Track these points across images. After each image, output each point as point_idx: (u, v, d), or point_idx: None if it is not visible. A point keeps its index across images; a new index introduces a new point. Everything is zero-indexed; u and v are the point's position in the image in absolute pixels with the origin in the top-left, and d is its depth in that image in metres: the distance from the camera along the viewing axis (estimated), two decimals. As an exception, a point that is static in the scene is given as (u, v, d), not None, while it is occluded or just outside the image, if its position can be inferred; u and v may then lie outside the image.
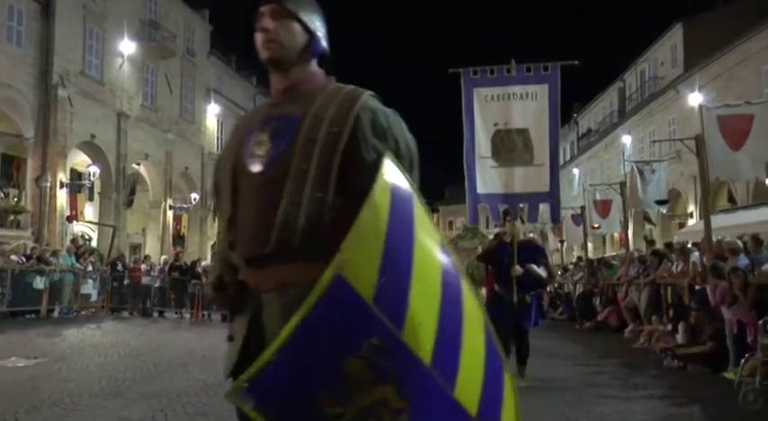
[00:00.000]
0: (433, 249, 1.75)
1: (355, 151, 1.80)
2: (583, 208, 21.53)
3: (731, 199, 22.96)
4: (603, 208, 19.79)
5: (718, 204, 22.62)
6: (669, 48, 31.53)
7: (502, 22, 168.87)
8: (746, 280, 7.95)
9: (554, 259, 35.95)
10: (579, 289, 18.73)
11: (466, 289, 1.81)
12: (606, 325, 14.83)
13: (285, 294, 1.77)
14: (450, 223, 66.81)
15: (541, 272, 7.22)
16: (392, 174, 1.68)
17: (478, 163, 7.76)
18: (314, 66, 2.06)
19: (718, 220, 14.38)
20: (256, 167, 1.86)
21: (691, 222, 24.46)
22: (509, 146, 7.63)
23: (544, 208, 7.96)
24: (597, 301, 16.28)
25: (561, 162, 44.72)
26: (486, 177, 7.75)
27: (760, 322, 6.85)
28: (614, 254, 24.10)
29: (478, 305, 1.87)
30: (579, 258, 22.38)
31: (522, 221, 7.43)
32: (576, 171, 44.49)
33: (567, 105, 51.20)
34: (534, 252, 7.40)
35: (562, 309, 19.79)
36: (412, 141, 1.96)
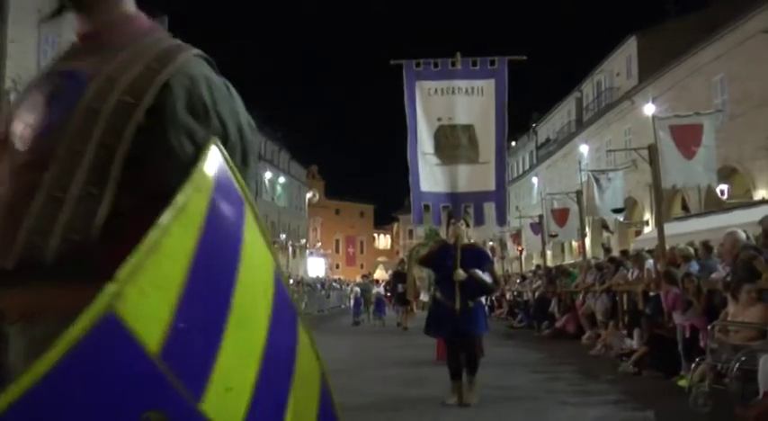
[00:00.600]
0: (263, 280, 1.30)
1: (158, 133, 1.28)
2: (541, 216, 21.80)
3: (685, 207, 23.46)
4: (561, 216, 20.05)
5: (672, 212, 23.10)
6: (624, 59, 32.17)
7: (454, 28, 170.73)
8: (699, 286, 8.12)
9: (513, 267, 36.41)
10: (538, 296, 18.90)
11: (302, 336, 1.39)
12: (564, 332, 14.98)
13: (31, 330, 1.23)
14: (411, 232, 67.03)
15: (486, 278, 6.70)
16: (215, 171, 1.20)
17: (421, 160, 7.39)
18: (130, 5, 1.51)
19: (671, 228, 14.67)
20: (19, 142, 1.32)
21: (647, 230, 24.92)
22: (453, 142, 7.30)
23: (489, 208, 7.59)
24: (555, 308, 16.43)
25: (519, 169, 44.98)
26: (430, 175, 7.38)
27: (709, 327, 6.99)
28: (572, 261, 24.42)
29: (315, 357, 1.43)
30: (538, 266, 22.62)
31: (467, 224, 6.91)
32: (534, 180, 45.04)
33: (526, 115, 51.97)
34: (479, 257, 6.89)
35: (521, 316, 19.95)
36: (248, 125, 1.45)
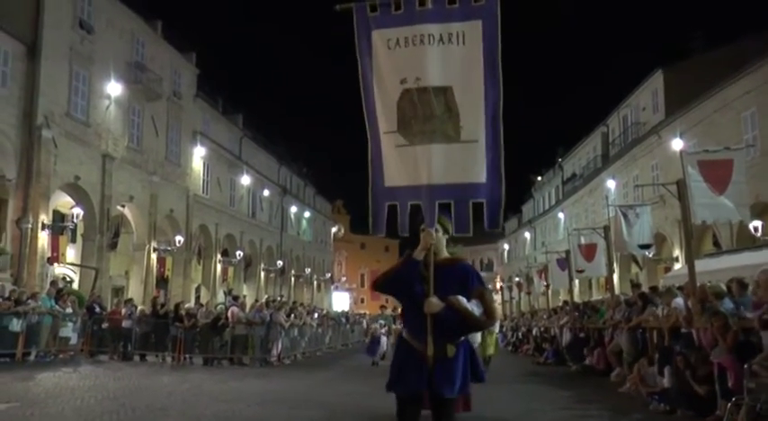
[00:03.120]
0: None
1: None
2: (568, 252, 21.55)
3: (716, 243, 23.07)
4: (588, 252, 19.81)
5: (703, 248, 22.72)
6: (650, 93, 32.06)
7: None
8: (727, 323, 7.91)
9: (540, 303, 36.01)
10: (566, 333, 18.64)
11: None
12: (593, 368, 14.72)
13: None
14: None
15: (474, 308, 4.28)
16: None
17: (383, 141, 4.95)
18: None
19: (703, 265, 14.41)
20: None
21: (676, 266, 24.52)
22: (423, 112, 4.81)
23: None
24: (584, 345, 16.18)
25: (545, 204, 44.60)
26: (393, 162, 4.90)
27: (745, 366, 6.78)
28: (600, 298, 24.07)
29: None
30: (565, 302, 22.32)
31: (446, 231, 4.62)
32: (561, 215, 44.74)
33: (552, 149, 51.84)
34: (464, 277, 4.49)
35: (548, 353, 19.65)
36: None
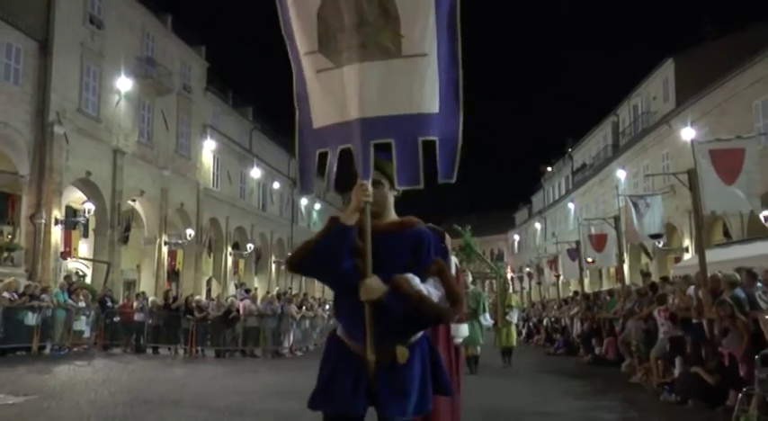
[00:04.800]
0: None
1: None
2: (578, 242, 21.54)
3: (726, 233, 22.98)
4: (598, 242, 19.79)
5: (714, 239, 22.63)
6: (661, 82, 31.87)
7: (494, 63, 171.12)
8: (733, 312, 7.90)
9: (551, 293, 35.93)
10: (576, 323, 18.66)
11: None
12: (604, 359, 14.75)
13: None
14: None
15: (430, 290, 3.00)
16: None
17: (304, 67, 3.48)
18: None
19: (713, 255, 14.35)
20: None
21: (686, 256, 24.44)
22: (351, 21, 3.31)
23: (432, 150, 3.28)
24: (595, 335, 16.19)
25: (555, 195, 44.42)
26: (316, 94, 3.48)
27: (756, 357, 6.79)
28: (611, 287, 24.04)
29: None
30: (576, 292, 22.32)
31: (391, 182, 3.21)
32: (571, 205, 44.62)
33: (562, 140, 51.68)
34: (416, 247, 3.12)
35: (558, 344, 19.68)
36: None
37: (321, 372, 3.11)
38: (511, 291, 18.07)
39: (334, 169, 3.31)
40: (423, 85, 3.22)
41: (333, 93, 3.32)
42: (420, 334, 3.08)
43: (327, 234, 3.05)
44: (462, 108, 3.23)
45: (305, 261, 3.09)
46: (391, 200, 3.24)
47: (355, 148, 3.18)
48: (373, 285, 2.91)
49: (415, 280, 2.90)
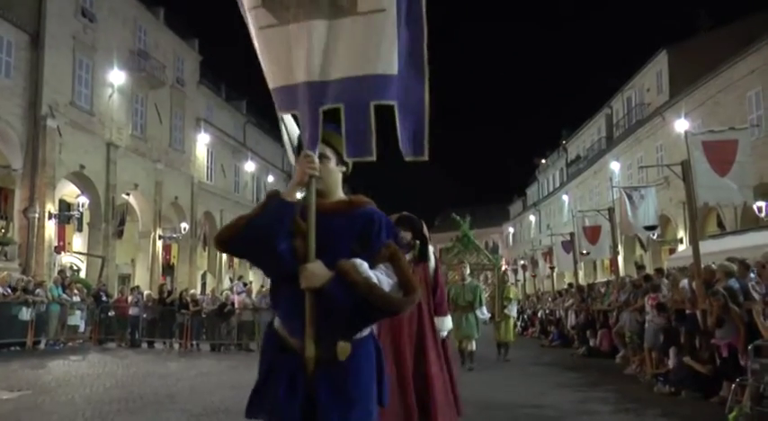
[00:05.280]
0: None
1: None
2: (572, 234, 21.59)
3: (720, 224, 23.06)
4: (593, 234, 19.84)
5: (707, 230, 22.71)
6: (654, 74, 31.89)
7: (483, 56, 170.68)
8: (726, 304, 7.92)
9: (545, 285, 36.02)
10: (571, 315, 18.71)
11: None
12: (598, 350, 14.79)
13: None
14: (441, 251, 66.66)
15: (381, 278, 2.57)
16: None
17: (250, 24, 2.97)
18: None
19: (707, 246, 14.40)
20: None
21: (681, 248, 24.52)
22: None
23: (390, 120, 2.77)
24: (589, 327, 16.25)
25: (550, 187, 44.52)
26: (263, 54, 2.95)
27: (749, 347, 6.82)
28: (605, 280, 24.11)
29: None
30: (570, 284, 22.38)
31: (339, 156, 2.82)
32: (565, 197, 44.70)
33: (556, 132, 51.73)
34: (365, 229, 2.71)
35: (553, 336, 19.73)
36: None
37: (259, 374, 2.71)
38: (511, 282, 17.51)
39: (286, 137, 2.95)
40: (379, 44, 2.70)
41: (277, 53, 2.84)
42: (367, 331, 2.69)
43: (264, 210, 2.67)
44: (428, 71, 2.70)
45: (235, 239, 2.65)
46: (338, 177, 2.88)
47: (301, 115, 2.76)
48: (315, 271, 2.52)
49: (364, 266, 2.52)
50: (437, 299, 5.70)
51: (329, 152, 2.78)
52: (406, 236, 5.47)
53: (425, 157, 2.66)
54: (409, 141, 2.67)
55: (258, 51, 2.91)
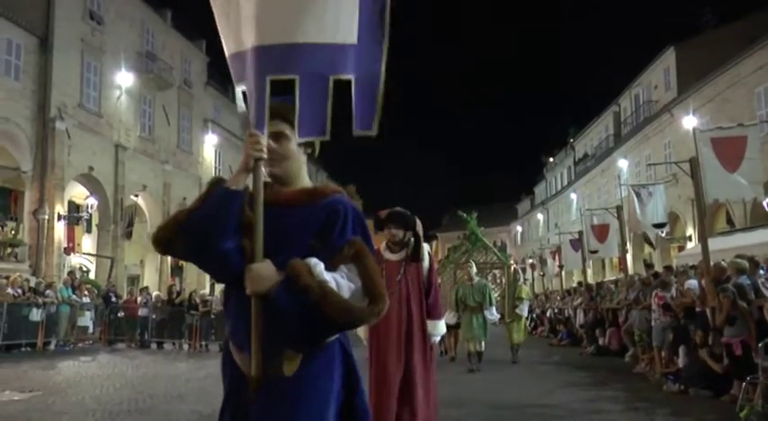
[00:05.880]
0: None
1: None
2: (581, 233, 21.52)
3: (729, 221, 22.95)
4: (601, 232, 19.76)
5: (717, 227, 22.60)
6: (662, 71, 31.76)
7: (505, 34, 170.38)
8: (735, 301, 7.88)
9: (554, 284, 35.90)
10: (580, 313, 18.65)
11: None
12: (607, 349, 14.75)
13: None
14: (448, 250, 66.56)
15: (339, 282, 2.14)
16: None
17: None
18: None
19: (716, 243, 14.35)
20: None
21: (690, 245, 24.41)
22: None
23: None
24: (598, 325, 16.20)
25: (558, 185, 44.54)
26: (221, 21, 2.55)
27: (760, 345, 6.79)
28: (614, 278, 24.02)
29: None
30: (579, 283, 22.31)
31: (282, 136, 2.37)
32: (573, 196, 44.55)
33: (564, 130, 51.58)
34: (327, 223, 2.27)
35: (562, 334, 19.69)
36: None
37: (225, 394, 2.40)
38: (522, 281, 16.83)
39: (244, 108, 2.45)
40: (339, 8, 2.35)
41: (227, 16, 2.49)
42: (333, 341, 2.24)
43: (205, 201, 2.25)
44: (387, 40, 2.35)
45: (174, 237, 2.22)
46: (301, 159, 2.42)
47: (248, 85, 2.38)
48: (262, 273, 2.12)
49: (320, 267, 2.11)
50: (430, 301, 5.34)
51: (289, 131, 2.32)
52: (398, 233, 5.29)
53: (374, 133, 2.27)
54: (361, 116, 2.29)
55: (216, 17, 2.56)
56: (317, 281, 2.06)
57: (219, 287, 29.80)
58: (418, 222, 5.33)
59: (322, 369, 2.21)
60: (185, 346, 17.36)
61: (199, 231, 2.18)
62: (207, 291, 24.03)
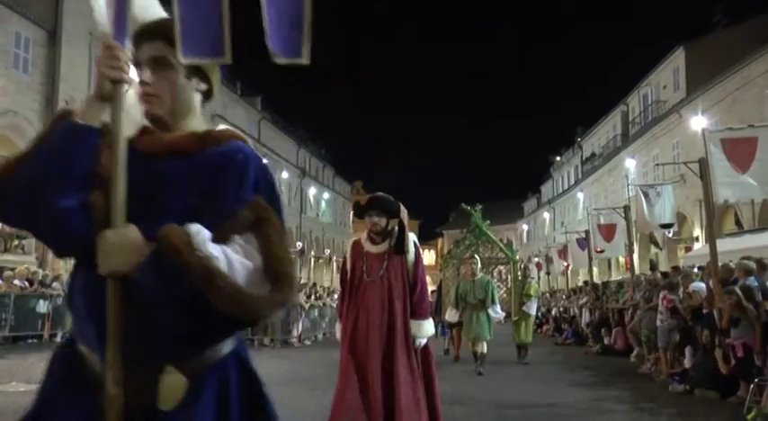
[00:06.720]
0: None
1: None
2: (587, 232, 21.47)
3: (738, 222, 22.87)
4: (608, 232, 19.72)
5: (725, 228, 22.52)
6: (671, 71, 31.65)
7: (516, 38, 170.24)
8: (740, 302, 7.84)
9: (559, 283, 35.85)
10: (585, 313, 18.63)
11: None
12: (613, 349, 14.71)
13: None
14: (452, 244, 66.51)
15: (233, 258, 1.48)
16: None
17: None
18: None
19: (724, 244, 14.28)
20: None
21: (697, 246, 24.34)
22: None
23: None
24: (604, 325, 16.17)
25: (564, 184, 44.55)
26: None
27: (768, 347, 6.75)
28: (620, 278, 23.97)
29: None
30: (585, 282, 22.27)
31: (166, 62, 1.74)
32: (580, 195, 44.47)
33: (571, 129, 51.47)
34: (221, 182, 1.60)
35: (567, 333, 19.66)
36: None
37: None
38: (534, 279, 16.11)
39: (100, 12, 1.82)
40: None
41: None
42: (226, 345, 1.61)
43: (43, 141, 1.59)
44: None
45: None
46: (192, 97, 1.81)
47: (112, 13, 1.80)
48: (120, 243, 1.47)
49: (203, 236, 1.48)
50: (415, 298, 4.75)
51: (173, 55, 1.70)
52: (380, 222, 4.74)
53: (304, 61, 1.60)
54: (281, 38, 1.61)
55: None
56: (199, 256, 1.43)
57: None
58: (403, 209, 4.74)
59: (216, 384, 1.56)
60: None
61: (26, 182, 1.51)
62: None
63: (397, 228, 4.74)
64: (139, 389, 1.46)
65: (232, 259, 1.48)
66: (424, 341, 4.74)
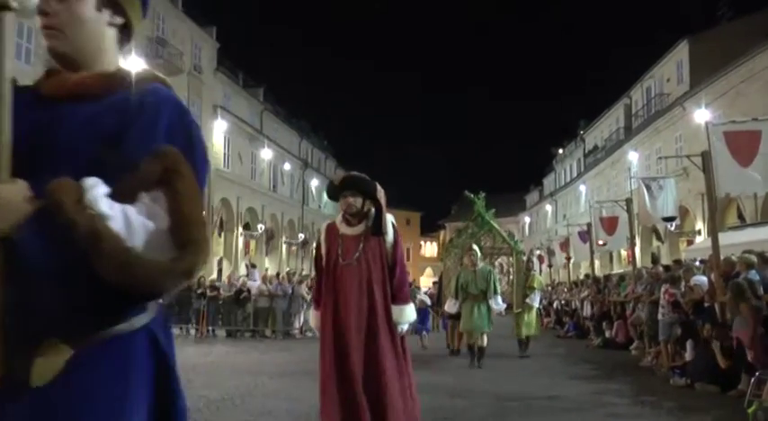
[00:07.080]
0: None
1: None
2: (589, 225, 21.45)
3: (740, 216, 22.84)
4: (610, 225, 19.68)
5: (727, 222, 22.49)
6: (675, 64, 31.55)
7: (510, 36, 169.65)
8: (742, 295, 7.83)
9: (561, 276, 35.81)
10: (587, 306, 18.64)
11: None
12: (614, 342, 14.73)
13: None
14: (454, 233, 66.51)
15: (132, 216, 1.29)
16: None
17: None
18: None
19: (726, 238, 14.27)
20: None
21: (699, 239, 24.32)
22: None
23: None
24: (605, 318, 16.18)
25: (567, 177, 44.40)
26: None
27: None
28: (621, 271, 23.96)
29: None
30: (587, 275, 22.26)
31: None
32: (582, 188, 44.43)
33: (574, 122, 51.36)
34: (126, 128, 1.39)
35: (569, 326, 19.68)
36: None
37: None
38: (537, 271, 16.11)
39: None
40: None
41: None
42: (131, 323, 1.40)
43: None
44: None
45: None
46: (102, 31, 1.57)
47: None
48: (4, 200, 1.27)
49: (97, 191, 1.29)
50: (396, 282, 4.57)
51: None
52: (356, 202, 4.56)
53: None
54: None
55: None
56: (89, 215, 1.24)
57: (227, 271, 29.97)
58: (380, 189, 4.52)
59: (106, 375, 1.34)
60: (192, 331, 17.44)
61: None
62: (215, 276, 24.11)
63: (373, 209, 4.56)
64: (18, 365, 1.25)
65: (132, 220, 1.28)
66: (406, 327, 4.59)
